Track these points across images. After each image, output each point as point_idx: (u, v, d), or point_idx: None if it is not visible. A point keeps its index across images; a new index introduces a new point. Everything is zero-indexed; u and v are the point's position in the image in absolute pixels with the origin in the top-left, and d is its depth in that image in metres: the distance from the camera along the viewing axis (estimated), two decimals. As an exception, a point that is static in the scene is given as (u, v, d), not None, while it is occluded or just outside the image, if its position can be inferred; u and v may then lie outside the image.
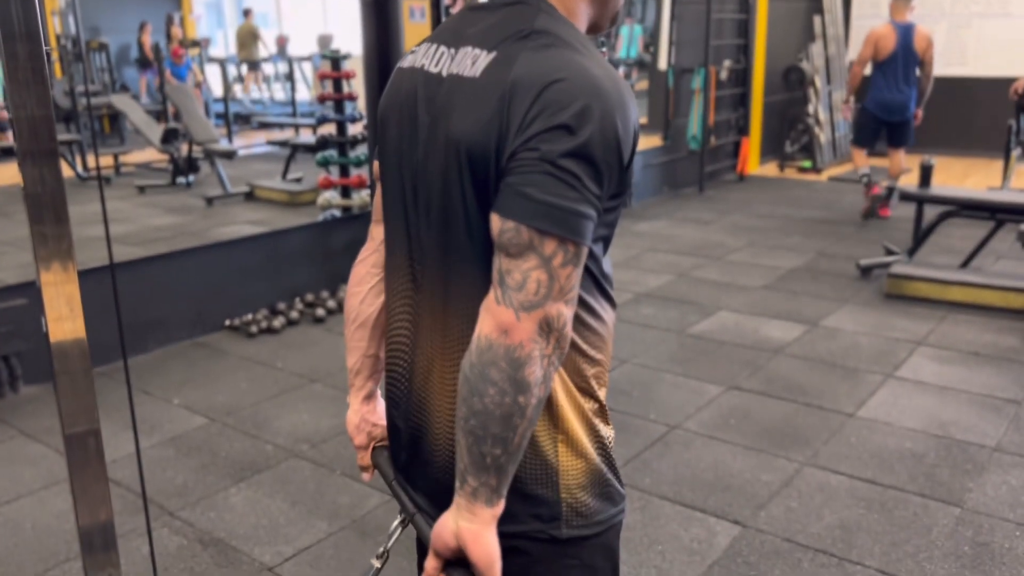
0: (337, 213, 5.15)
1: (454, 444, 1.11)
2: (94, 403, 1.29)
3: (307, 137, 9.57)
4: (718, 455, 3.06)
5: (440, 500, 1.14)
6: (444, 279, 1.10)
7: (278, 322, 4.34)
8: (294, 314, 4.45)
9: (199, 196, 6.96)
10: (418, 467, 1.20)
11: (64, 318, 1.23)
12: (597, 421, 1.15)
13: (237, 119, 11.44)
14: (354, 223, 5.09)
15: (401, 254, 1.19)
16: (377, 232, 1.31)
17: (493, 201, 1.01)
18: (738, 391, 3.58)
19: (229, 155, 7.31)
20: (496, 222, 0.99)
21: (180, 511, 2.75)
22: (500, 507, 1.04)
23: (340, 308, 4.64)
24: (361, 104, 5.14)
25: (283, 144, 7.94)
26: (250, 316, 4.40)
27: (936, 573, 2.39)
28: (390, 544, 1.24)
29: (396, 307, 1.22)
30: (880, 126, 6.25)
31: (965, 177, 7.98)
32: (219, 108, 11.25)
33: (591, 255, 1.06)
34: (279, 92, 13.66)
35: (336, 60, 4.99)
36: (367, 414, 1.35)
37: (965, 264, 4.97)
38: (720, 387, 3.62)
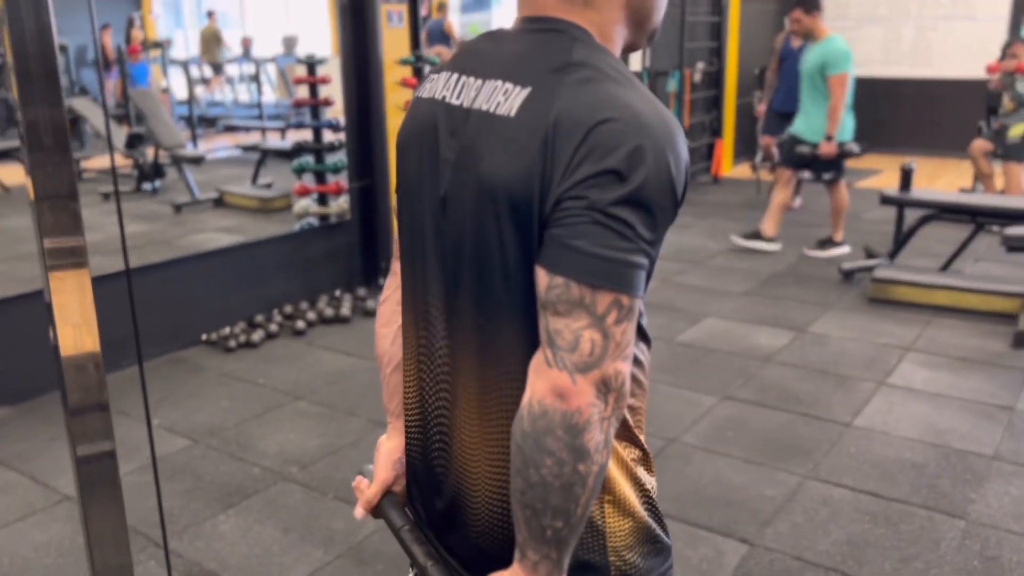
0: (314, 221, 5.03)
1: (492, 508, 1.04)
2: (110, 422, 1.20)
3: (276, 141, 9.40)
4: (719, 469, 3.01)
5: (477, 566, 1.06)
6: (477, 330, 1.01)
7: (257, 336, 4.21)
8: (273, 327, 4.33)
9: (166, 203, 6.78)
10: (452, 530, 1.12)
11: (77, 328, 1.14)
12: (640, 471, 1.08)
13: (201, 122, 11.22)
14: (333, 232, 4.97)
15: (421, 299, 1.10)
16: (399, 268, 1.23)
17: (536, 251, 0.93)
18: (732, 401, 3.54)
19: (197, 161, 7.13)
20: (543, 278, 0.90)
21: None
22: None
23: (320, 320, 4.52)
24: (338, 110, 5.02)
25: (252, 149, 7.77)
26: (228, 330, 4.27)
27: (949, 590, 2.36)
28: None
29: (415, 357, 1.13)
30: None
31: (935, 178, 8.07)
32: (182, 111, 11.02)
33: None
34: (243, 94, 13.42)
35: (312, 64, 4.87)
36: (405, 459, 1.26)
37: (946, 267, 4.99)
38: (714, 397, 3.58)
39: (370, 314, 4.61)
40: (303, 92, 4.98)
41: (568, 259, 0.88)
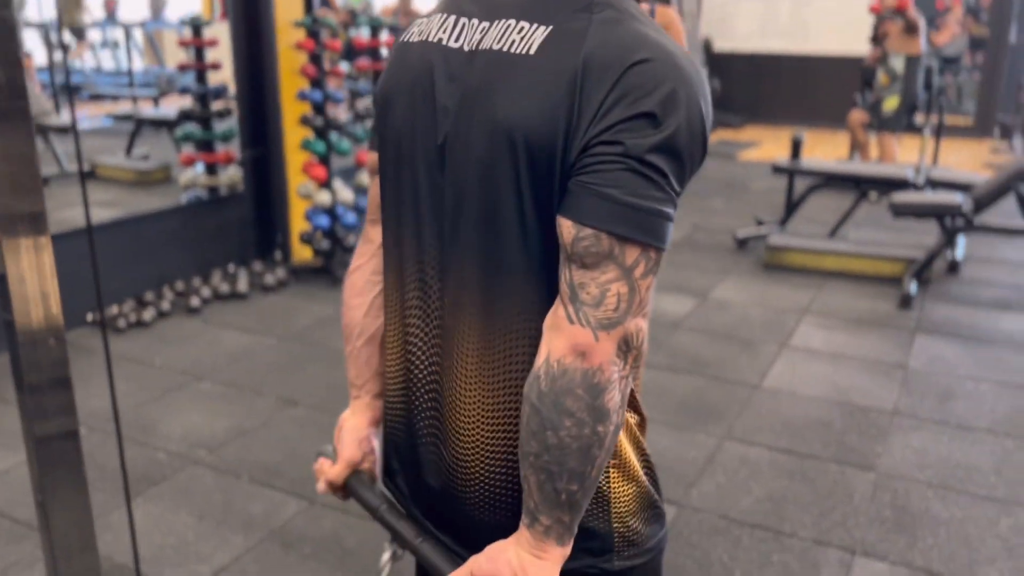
0: (203, 193, 4.76)
1: (492, 476, 0.99)
2: (72, 399, 1.08)
3: (149, 109, 8.87)
4: (639, 434, 3.03)
5: (473, 538, 1.01)
6: (481, 287, 0.94)
7: (148, 314, 3.96)
8: (165, 305, 4.08)
9: (32, 175, 6.29)
10: (445, 502, 1.05)
11: (36, 299, 1.03)
12: (641, 436, 1.05)
13: (64, 90, 10.46)
14: (224, 204, 4.72)
15: (410, 258, 1.02)
16: (375, 233, 1.13)
17: (557, 199, 0.87)
18: (647, 367, 3.58)
19: (65, 130, 6.64)
20: (569, 228, 0.85)
21: (69, 536, 2.43)
22: (570, 545, 0.93)
23: (216, 296, 4.30)
24: (227, 74, 4.76)
25: (127, 118, 7.29)
26: (116, 309, 4.00)
27: (867, 539, 2.46)
28: None
29: (401, 323, 1.05)
30: None
31: (813, 149, 8.41)
32: (42, 78, 10.25)
33: None
34: (108, 60, 12.61)
35: (197, 26, 4.58)
36: (372, 436, 1.18)
37: (833, 233, 5.21)
38: (627, 364, 3.61)
39: (268, 289, 4.42)
40: (185, 56, 4.68)
41: (599, 208, 0.83)
